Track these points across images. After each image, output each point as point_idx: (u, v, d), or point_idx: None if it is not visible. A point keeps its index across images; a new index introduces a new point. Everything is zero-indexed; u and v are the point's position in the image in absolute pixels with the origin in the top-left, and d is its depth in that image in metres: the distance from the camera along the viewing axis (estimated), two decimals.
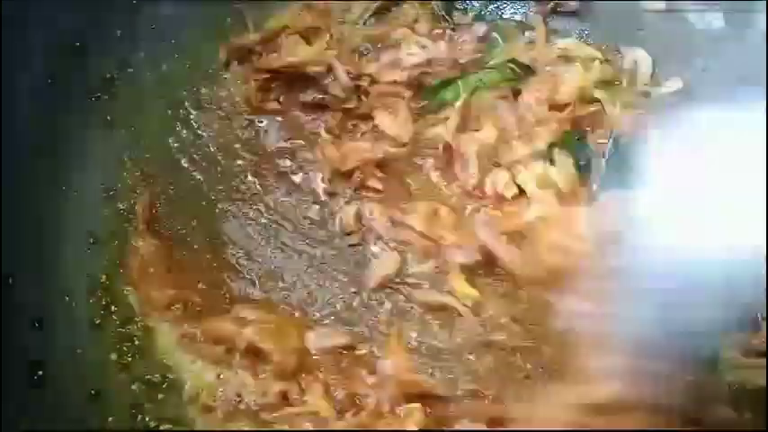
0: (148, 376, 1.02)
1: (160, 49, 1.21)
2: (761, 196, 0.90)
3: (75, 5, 1.12)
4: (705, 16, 1.20)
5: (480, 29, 1.25)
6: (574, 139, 1.13)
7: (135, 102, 1.18)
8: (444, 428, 0.96)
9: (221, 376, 1.01)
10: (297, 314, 1.06)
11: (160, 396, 1.01)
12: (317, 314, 1.07)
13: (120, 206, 1.13)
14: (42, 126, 1.10)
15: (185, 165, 1.17)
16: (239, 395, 0.99)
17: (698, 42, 1.20)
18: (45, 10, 1.09)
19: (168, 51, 1.22)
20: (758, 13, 1.11)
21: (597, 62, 1.20)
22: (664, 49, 1.21)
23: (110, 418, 0.99)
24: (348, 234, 1.12)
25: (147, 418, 1.00)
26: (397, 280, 1.08)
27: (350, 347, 1.03)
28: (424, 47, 1.22)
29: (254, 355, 1.01)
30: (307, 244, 1.12)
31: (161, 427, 0.99)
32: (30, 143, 1.08)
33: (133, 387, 1.01)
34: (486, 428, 0.95)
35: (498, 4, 1.28)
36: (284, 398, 0.98)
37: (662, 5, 1.23)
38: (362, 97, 1.20)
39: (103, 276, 1.08)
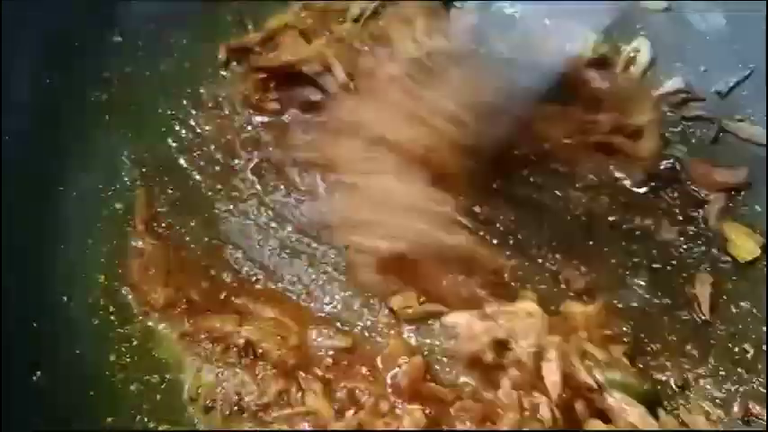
0: (147, 377, 1.02)
1: (160, 49, 1.21)
2: None
3: (74, 5, 1.13)
4: (706, 16, 1.20)
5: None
6: None
7: (135, 102, 1.18)
8: (444, 428, 0.96)
9: (221, 376, 1.01)
10: (296, 313, 1.06)
11: (159, 396, 1.01)
12: (317, 314, 1.06)
13: (120, 206, 1.13)
14: (42, 126, 1.10)
15: (185, 164, 1.17)
16: (239, 395, 0.99)
17: (698, 42, 1.19)
18: (45, 10, 1.09)
19: (168, 51, 1.22)
20: (758, 12, 1.11)
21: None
22: (664, 48, 1.21)
23: (109, 419, 0.98)
24: None
25: (146, 419, 0.99)
26: None
27: (350, 347, 1.03)
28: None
29: (253, 353, 1.00)
30: (306, 244, 1.12)
31: (160, 428, 0.99)
32: (30, 143, 1.08)
33: (132, 387, 1.01)
34: (485, 428, 0.95)
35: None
36: (283, 397, 0.98)
37: (662, 5, 1.22)
38: None
39: (102, 277, 1.08)
